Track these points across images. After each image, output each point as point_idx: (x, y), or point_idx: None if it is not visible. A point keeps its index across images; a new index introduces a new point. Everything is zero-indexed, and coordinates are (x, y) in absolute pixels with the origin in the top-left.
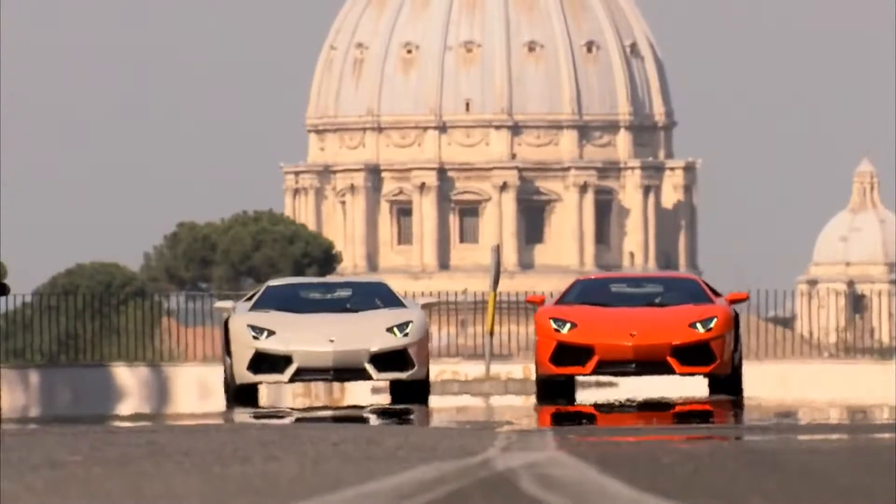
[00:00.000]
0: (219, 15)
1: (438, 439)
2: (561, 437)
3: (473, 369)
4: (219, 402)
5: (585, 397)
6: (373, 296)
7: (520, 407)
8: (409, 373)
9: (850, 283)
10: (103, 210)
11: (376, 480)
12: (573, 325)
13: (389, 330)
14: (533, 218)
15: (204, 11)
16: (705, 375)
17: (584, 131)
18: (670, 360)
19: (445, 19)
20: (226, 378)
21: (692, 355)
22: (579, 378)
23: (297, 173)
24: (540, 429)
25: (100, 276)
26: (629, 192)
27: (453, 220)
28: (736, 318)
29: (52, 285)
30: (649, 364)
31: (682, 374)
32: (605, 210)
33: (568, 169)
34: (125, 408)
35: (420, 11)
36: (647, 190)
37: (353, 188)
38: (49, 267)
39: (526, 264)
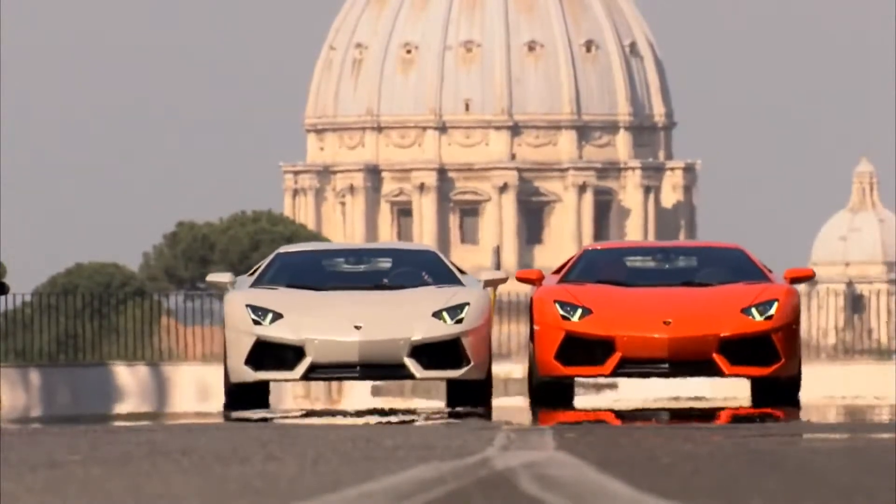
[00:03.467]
0: (219, 15)
1: (437, 439)
2: (560, 436)
3: None
4: (219, 401)
5: (583, 403)
6: (419, 268)
7: (520, 408)
8: (463, 370)
9: (850, 284)
10: (103, 210)
11: (375, 480)
12: (587, 311)
13: (437, 314)
14: (532, 218)
15: (204, 11)
16: (763, 379)
17: (584, 131)
18: (717, 357)
19: (445, 19)
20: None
21: (747, 351)
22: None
23: (296, 173)
24: (539, 428)
25: (99, 276)
26: (629, 192)
27: (453, 221)
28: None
29: (52, 285)
30: (689, 363)
31: (733, 376)
32: (605, 210)
33: (567, 169)
34: (125, 407)
35: (419, 11)
36: (646, 190)
37: (352, 188)
38: (48, 266)
39: (525, 265)
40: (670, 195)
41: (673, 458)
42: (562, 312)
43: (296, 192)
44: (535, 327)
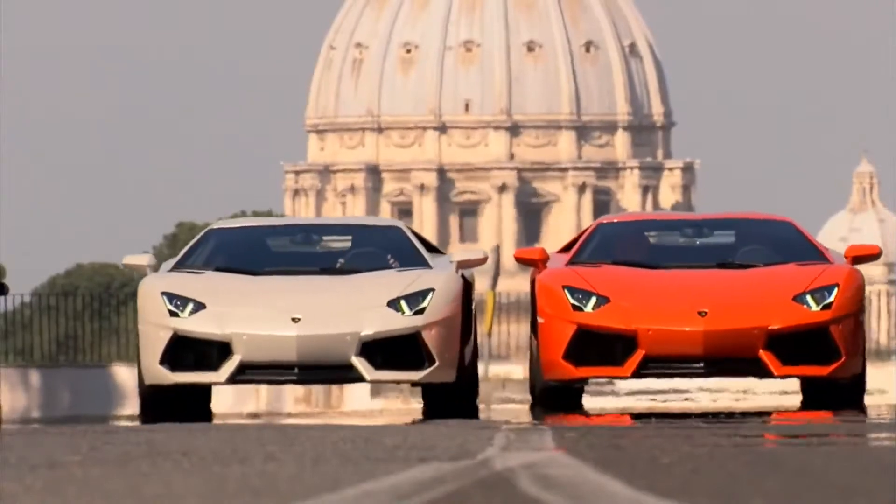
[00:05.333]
0: (219, 15)
1: (437, 439)
2: (560, 436)
3: None
4: (218, 402)
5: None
6: (383, 248)
7: (520, 409)
8: (425, 372)
9: None
10: (103, 210)
11: (375, 480)
12: (603, 300)
13: (394, 304)
14: (532, 218)
15: (204, 12)
16: (818, 380)
17: (583, 131)
18: (765, 355)
19: (445, 19)
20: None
21: (800, 348)
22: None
23: (297, 173)
24: (539, 428)
25: (99, 277)
26: (627, 192)
27: (453, 221)
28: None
29: (52, 285)
30: (729, 362)
31: (784, 377)
32: (604, 210)
33: (566, 169)
34: (125, 408)
35: (419, 11)
36: (645, 190)
37: (353, 188)
38: (48, 267)
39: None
40: (669, 195)
41: (673, 458)
42: (572, 301)
43: (296, 192)
44: (540, 319)
